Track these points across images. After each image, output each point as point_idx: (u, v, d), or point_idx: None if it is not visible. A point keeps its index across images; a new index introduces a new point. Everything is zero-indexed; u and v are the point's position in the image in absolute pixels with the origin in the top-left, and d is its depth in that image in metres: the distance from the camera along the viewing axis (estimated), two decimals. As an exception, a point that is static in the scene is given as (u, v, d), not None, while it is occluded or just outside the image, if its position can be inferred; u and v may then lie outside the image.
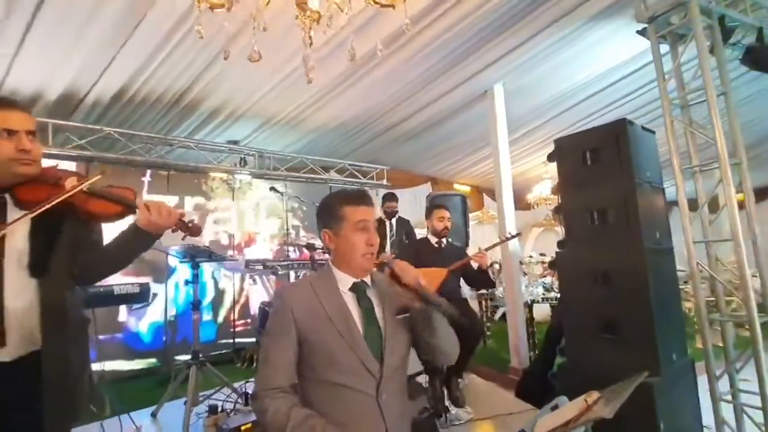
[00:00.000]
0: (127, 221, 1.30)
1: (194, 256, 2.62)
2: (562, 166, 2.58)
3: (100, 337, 3.95)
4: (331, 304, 1.20)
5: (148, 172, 4.43)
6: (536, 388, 3.09)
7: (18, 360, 1.12)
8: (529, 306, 4.64)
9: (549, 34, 3.45)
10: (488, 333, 5.40)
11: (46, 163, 1.27)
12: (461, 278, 3.15)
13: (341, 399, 1.14)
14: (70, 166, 3.95)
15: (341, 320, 1.18)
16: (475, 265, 3.01)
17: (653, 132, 2.47)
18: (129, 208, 1.26)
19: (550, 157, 2.73)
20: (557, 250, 2.69)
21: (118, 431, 2.25)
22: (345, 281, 1.25)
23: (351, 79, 3.87)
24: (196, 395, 2.55)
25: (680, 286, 2.92)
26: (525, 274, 5.80)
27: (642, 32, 2.84)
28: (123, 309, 4.11)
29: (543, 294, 4.70)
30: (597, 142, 2.38)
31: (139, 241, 1.26)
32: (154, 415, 2.74)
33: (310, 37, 1.57)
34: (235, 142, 4.98)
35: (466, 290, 7.33)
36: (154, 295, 4.22)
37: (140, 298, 2.51)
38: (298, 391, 1.16)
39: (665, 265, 2.34)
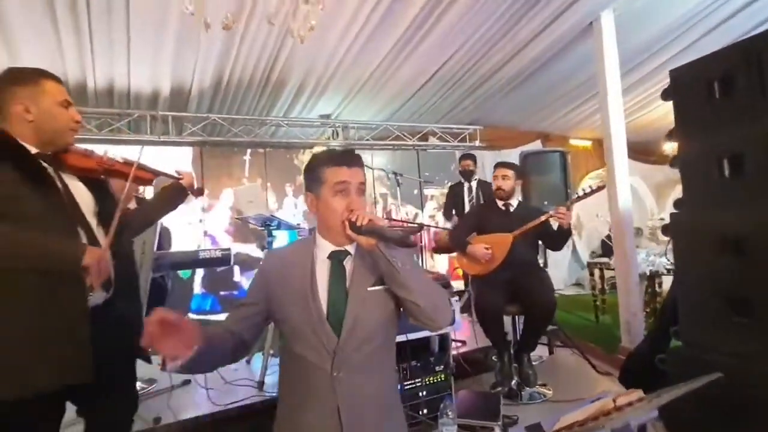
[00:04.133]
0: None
1: (267, 224, 2.85)
2: (681, 104, 1.96)
3: (222, 292, 4.69)
4: (301, 274, 1.16)
5: (248, 151, 4.91)
6: (640, 373, 2.61)
7: (107, 301, 1.23)
8: (649, 278, 3.90)
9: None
10: (604, 306, 4.75)
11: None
12: (539, 241, 2.77)
13: (301, 371, 1.11)
14: (187, 150, 4.65)
15: (306, 292, 1.13)
16: (555, 224, 2.60)
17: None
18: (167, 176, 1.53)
19: (665, 95, 2.13)
20: (672, 211, 2.12)
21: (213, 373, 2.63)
22: (325, 249, 1.18)
23: (422, 30, 3.60)
24: (275, 346, 2.83)
25: None
26: (652, 241, 4.86)
27: None
28: (237, 270, 4.75)
29: (669, 264, 3.87)
30: (729, 67, 1.70)
31: (178, 198, 1.57)
32: (248, 361, 3.16)
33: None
34: (327, 116, 5.17)
35: (585, 257, 6.57)
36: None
37: (222, 261, 2.85)
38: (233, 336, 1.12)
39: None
